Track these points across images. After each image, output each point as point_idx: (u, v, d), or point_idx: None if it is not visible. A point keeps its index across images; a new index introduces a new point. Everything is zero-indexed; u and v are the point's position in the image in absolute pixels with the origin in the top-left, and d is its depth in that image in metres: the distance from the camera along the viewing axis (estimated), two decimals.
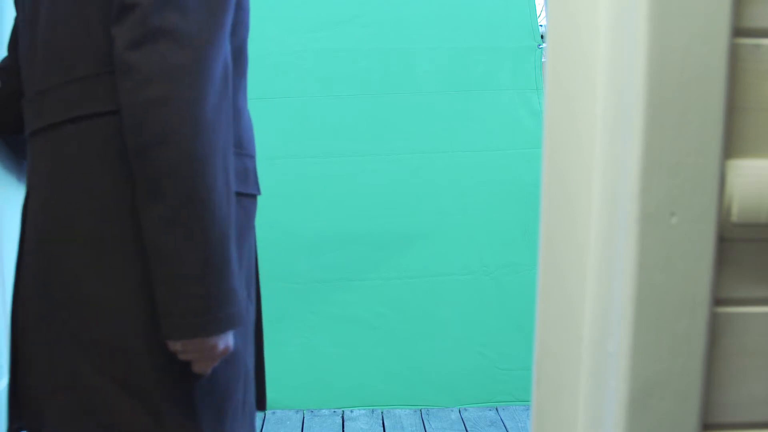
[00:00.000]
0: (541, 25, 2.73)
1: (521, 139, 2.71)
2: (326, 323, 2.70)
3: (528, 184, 2.64)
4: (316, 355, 2.67)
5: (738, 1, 0.58)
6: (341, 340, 2.70)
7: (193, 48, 0.77)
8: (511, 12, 2.73)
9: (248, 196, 0.97)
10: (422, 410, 2.69)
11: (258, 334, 1.05)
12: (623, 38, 0.61)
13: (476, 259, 2.73)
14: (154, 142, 0.76)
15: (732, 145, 0.60)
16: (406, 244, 2.72)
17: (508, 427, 2.56)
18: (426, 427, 2.57)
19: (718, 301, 0.62)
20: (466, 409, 2.69)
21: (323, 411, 2.68)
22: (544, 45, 2.68)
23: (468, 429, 2.55)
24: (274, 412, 2.64)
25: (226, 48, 0.82)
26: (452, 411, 2.68)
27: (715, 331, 0.62)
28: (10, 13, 1.05)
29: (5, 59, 1.05)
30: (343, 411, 2.68)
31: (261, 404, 1.08)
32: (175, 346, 0.82)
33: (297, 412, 2.67)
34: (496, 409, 2.69)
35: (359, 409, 2.69)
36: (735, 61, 0.59)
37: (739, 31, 0.59)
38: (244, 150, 0.95)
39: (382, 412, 2.68)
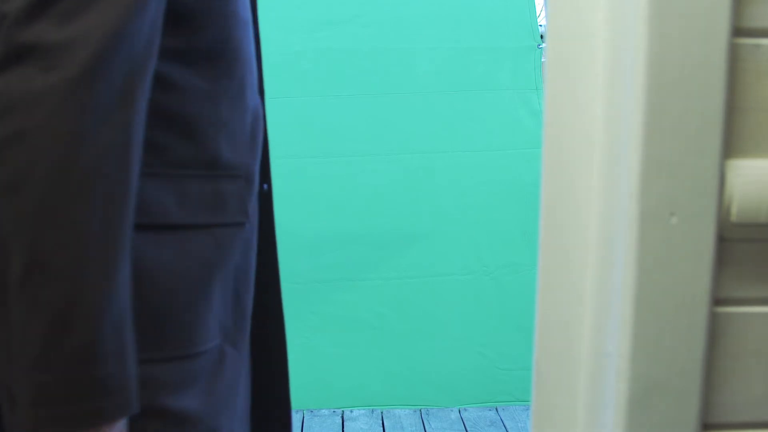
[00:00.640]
0: (541, 25, 2.73)
1: (521, 139, 2.71)
2: (326, 323, 2.70)
3: (528, 184, 2.64)
4: (316, 355, 2.67)
5: (738, 1, 0.58)
6: (341, 340, 2.70)
7: (72, 65, 0.60)
8: (511, 12, 2.73)
9: (223, 226, 0.80)
10: (422, 410, 2.69)
11: (280, 363, 0.96)
12: (623, 38, 0.61)
13: (476, 259, 2.73)
14: (0, 189, 0.61)
15: (732, 145, 0.60)
16: (406, 244, 2.72)
17: (508, 427, 2.56)
18: (426, 427, 2.57)
19: (717, 301, 0.62)
20: (466, 409, 2.69)
21: (323, 411, 2.68)
22: (544, 45, 2.68)
23: (468, 429, 2.55)
24: None
25: (148, 49, 0.65)
26: (452, 411, 2.68)
27: (715, 331, 0.62)
28: None
29: None
30: (343, 411, 2.68)
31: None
32: None
33: (297, 412, 2.67)
34: (496, 409, 2.69)
35: (359, 409, 2.69)
36: (735, 61, 0.59)
37: (739, 31, 0.59)
38: (221, 170, 0.79)
39: (381, 412, 2.68)
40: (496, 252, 2.73)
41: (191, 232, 0.77)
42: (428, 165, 2.71)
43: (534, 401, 0.72)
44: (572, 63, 0.65)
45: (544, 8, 2.89)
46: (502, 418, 2.62)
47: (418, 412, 2.68)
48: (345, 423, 2.60)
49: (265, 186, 0.93)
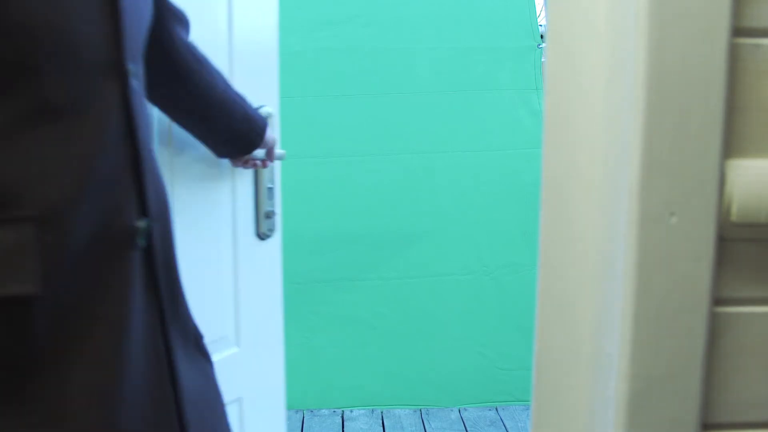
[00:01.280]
0: (541, 25, 2.73)
1: (521, 139, 2.71)
2: (326, 323, 2.70)
3: (528, 184, 2.64)
4: (316, 355, 2.67)
5: (738, 1, 0.58)
6: (341, 340, 2.69)
7: None
8: (511, 12, 2.73)
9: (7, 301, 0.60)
10: (422, 410, 2.69)
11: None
12: (623, 38, 0.61)
13: (476, 259, 2.73)
14: None
15: (732, 145, 0.60)
16: (406, 244, 2.72)
17: (507, 427, 2.56)
18: (426, 427, 2.57)
19: (717, 301, 0.62)
20: (465, 409, 2.69)
21: (323, 411, 2.68)
22: (544, 45, 2.68)
23: (468, 429, 2.55)
24: None
25: None
26: (452, 411, 2.68)
27: (715, 331, 0.62)
28: None
29: None
30: (342, 411, 2.68)
31: None
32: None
33: (297, 412, 2.67)
34: (496, 409, 2.69)
35: (359, 409, 2.69)
36: (735, 61, 0.59)
37: (739, 31, 0.59)
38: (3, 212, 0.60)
39: (381, 412, 2.68)
40: (496, 252, 2.73)
41: None
42: (428, 165, 2.71)
43: (534, 401, 0.72)
44: (572, 63, 0.65)
45: (544, 8, 2.89)
46: (502, 418, 2.62)
47: (418, 412, 2.68)
48: (345, 423, 2.60)
49: (142, 241, 0.74)
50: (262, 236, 1.38)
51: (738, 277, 0.62)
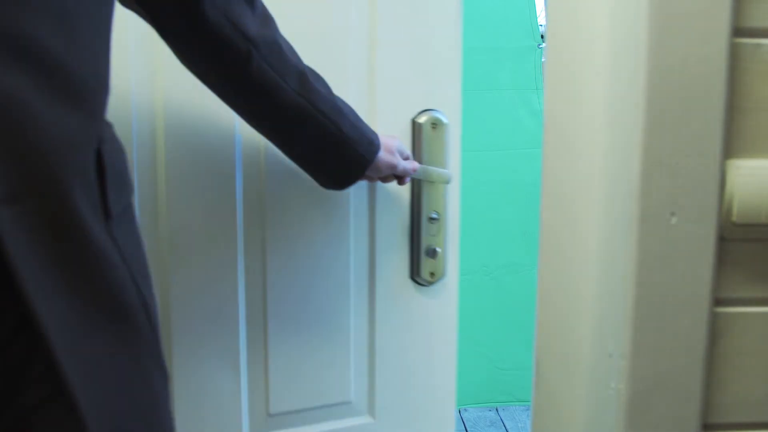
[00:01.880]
0: (541, 25, 2.73)
1: (521, 139, 2.71)
2: None
3: (528, 184, 2.63)
4: None
5: (738, 1, 0.58)
6: None
7: None
8: (511, 12, 2.73)
9: None
10: None
11: None
12: (623, 38, 0.61)
13: (476, 259, 2.73)
14: None
15: (732, 145, 0.60)
16: None
17: (508, 427, 2.56)
18: None
19: (718, 301, 0.62)
20: (466, 409, 2.68)
21: None
22: (544, 45, 2.68)
23: (468, 429, 2.55)
24: None
25: None
26: None
27: (715, 331, 0.62)
28: None
29: None
30: None
31: None
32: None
33: None
34: (496, 409, 2.68)
35: None
36: (735, 61, 0.59)
37: (739, 31, 0.59)
38: None
39: None
40: (496, 252, 2.72)
41: None
42: None
43: (534, 401, 0.72)
44: (572, 63, 0.65)
45: (544, 8, 2.89)
46: (502, 418, 2.62)
47: None
48: None
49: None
50: (421, 282, 1.08)
51: (738, 277, 0.62)
